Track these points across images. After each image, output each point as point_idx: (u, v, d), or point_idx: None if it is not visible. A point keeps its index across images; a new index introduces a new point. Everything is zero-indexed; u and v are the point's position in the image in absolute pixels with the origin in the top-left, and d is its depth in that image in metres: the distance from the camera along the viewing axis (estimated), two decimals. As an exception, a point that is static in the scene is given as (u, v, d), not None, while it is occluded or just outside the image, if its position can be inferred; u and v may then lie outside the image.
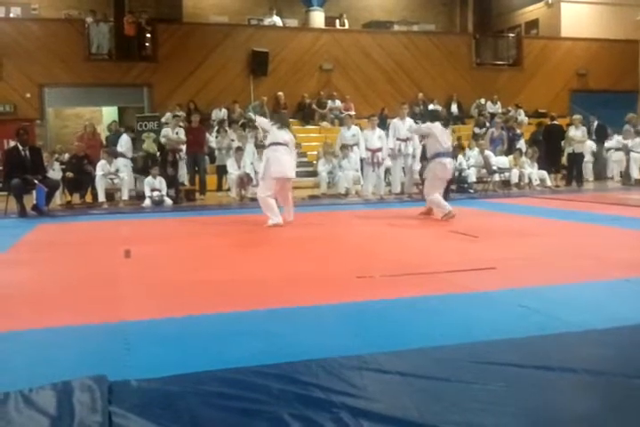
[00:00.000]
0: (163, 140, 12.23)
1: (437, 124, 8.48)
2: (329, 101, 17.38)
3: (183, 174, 12.46)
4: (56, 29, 16.19)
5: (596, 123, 15.08)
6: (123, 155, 12.12)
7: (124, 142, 12.30)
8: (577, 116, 14.23)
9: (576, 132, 13.59)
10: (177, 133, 12.29)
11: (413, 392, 2.44)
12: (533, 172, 13.30)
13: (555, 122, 14.24)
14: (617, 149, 14.81)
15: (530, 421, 2.21)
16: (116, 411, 2.28)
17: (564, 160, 14.13)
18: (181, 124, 13.08)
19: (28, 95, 15.81)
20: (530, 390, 2.43)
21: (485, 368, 2.65)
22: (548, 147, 13.83)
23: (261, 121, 8.80)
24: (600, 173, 15.36)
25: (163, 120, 14.39)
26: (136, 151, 12.50)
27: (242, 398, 2.38)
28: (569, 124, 14.17)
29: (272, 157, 7.93)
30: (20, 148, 10.05)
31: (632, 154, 13.90)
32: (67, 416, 2.24)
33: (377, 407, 2.27)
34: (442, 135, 8.35)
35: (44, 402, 2.36)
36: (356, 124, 13.22)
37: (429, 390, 2.45)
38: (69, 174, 11.35)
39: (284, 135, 8.05)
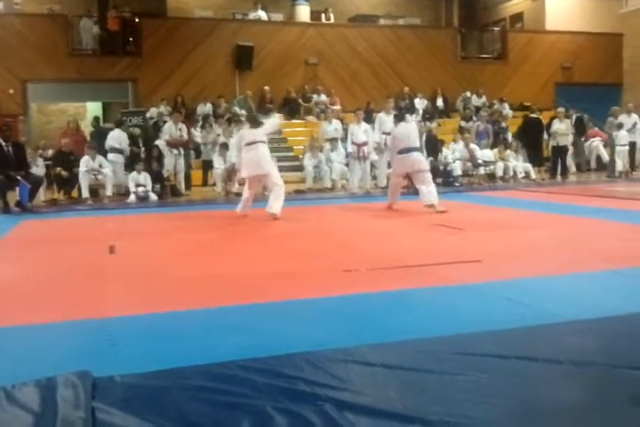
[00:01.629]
0: (166, 137, 12.07)
1: (400, 125, 8.90)
2: (314, 95, 17.29)
3: (169, 169, 12.35)
4: (39, 24, 16.05)
5: (574, 116, 15.15)
6: (120, 151, 11.98)
7: (124, 139, 12.14)
8: (560, 110, 14.27)
9: (560, 125, 13.63)
10: (180, 130, 12.17)
11: (398, 384, 2.44)
12: (518, 165, 13.36)
13: (533, 115, 14.28)
14: None
15: (514, 411, 2.22)
16: (99, 406, 2.26)
17: (546, 153, 14.21)
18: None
19: (11, 91, 15.65)
20: (514, 381, 2.44)
21: (470, 360, 2.65)
22: (528, 140, 13.87)
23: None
24: (580, 166, 15.53)
25: (148, 115, 14.31)
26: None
27: (226, 392, 2.37)
28: (553, 118, 14.20)
29: (244, 158, 8.40)
30: (3, 143, 9.94)
31: (616, 147, 13.98)
32: (50, 413, 2.23)
33: (362, 400, 2.27)
34: (398, 135, 8.80)
35: (27, 398, 2.34)
36: (341, 118, 13.16)
37: (414, 382, 2.45)
38: (61, 171, 11.22)
39: (251, 133, 8.33)
